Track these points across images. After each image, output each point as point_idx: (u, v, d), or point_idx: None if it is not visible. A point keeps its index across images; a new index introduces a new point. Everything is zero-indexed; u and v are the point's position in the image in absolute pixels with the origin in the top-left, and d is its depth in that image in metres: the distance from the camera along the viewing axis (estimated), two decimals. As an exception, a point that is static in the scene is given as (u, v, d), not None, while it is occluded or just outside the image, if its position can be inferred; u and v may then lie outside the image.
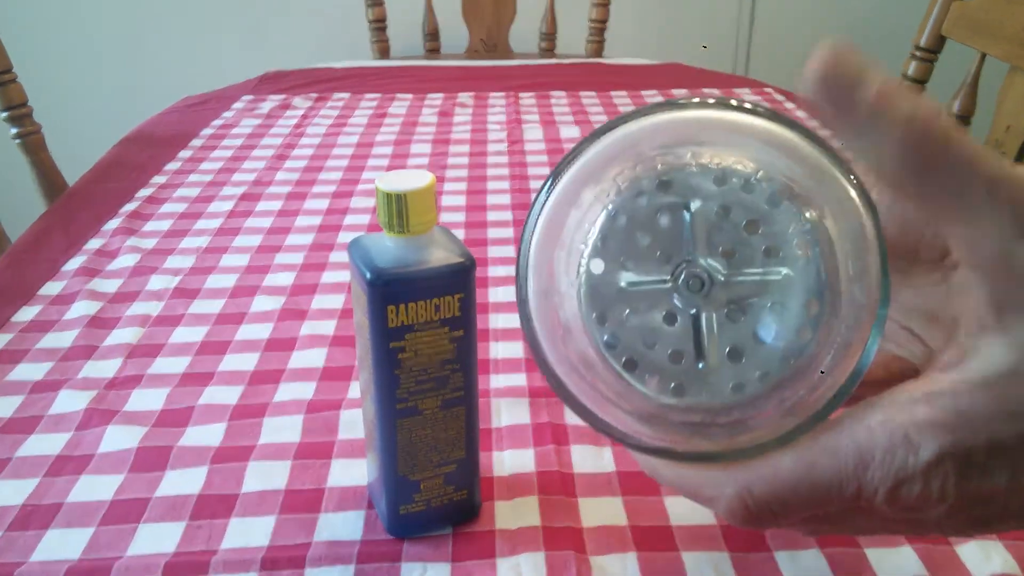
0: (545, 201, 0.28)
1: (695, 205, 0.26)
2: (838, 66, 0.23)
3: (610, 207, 0.27)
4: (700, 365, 0.26)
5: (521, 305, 0.28)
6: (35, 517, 0.40)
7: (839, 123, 0.24)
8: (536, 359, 0.28)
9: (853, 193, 0.26)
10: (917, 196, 0.24)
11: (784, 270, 0.26)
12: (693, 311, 0.26)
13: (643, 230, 0.26)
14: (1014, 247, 0.23)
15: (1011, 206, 0.23)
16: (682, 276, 0.26)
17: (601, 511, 0.39)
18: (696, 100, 0.27)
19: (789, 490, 0.25)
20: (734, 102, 0.27)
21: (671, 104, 0.27)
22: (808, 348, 0.26)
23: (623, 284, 0.27)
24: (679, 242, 0.26)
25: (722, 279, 0.26)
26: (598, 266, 0.27)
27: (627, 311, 0.27)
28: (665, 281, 0.26)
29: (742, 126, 0.27)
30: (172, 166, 0.87)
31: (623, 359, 0.27)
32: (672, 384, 0.26)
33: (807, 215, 0.26)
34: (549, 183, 0.28)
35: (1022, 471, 0.24)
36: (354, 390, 0.49)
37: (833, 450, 0.25)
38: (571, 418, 0.46)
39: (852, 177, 0.26)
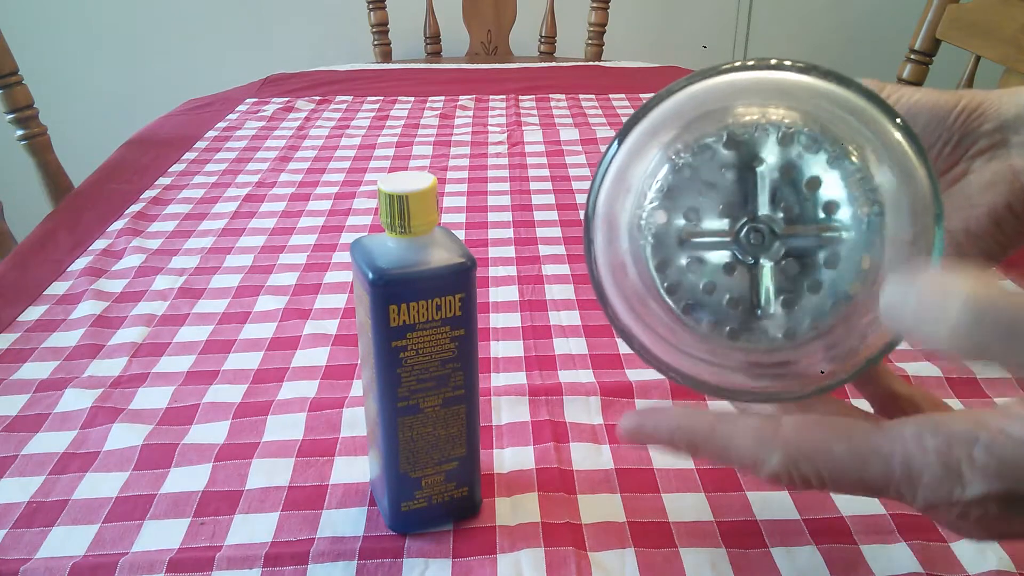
0: (615, 153, 0.29)
1: (760, 162, 0.27)
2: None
3: (677, 161, 0.27)
4: (756, 312, 0.27)
5: (588, 249, 0.30)
6: (40, 514, 0.40)
7: None
8: (599, 299, 0.30)
9: (911, 153, 0.27)
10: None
11: (842, 227, 0.27)
12: (751, 261, 0.27)
13: (708, 184, 0.27)
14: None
15: None
16: (744, 230, 0.27)
17: (600, 508, 0.40)
18: (764, 61, 0.28)
19: (834, 477, 0.26)
20: (790, 62, 0.28)
21: (741, 65, 0.28)
22: (859, 300, 0.27)
23: (685, 234, 0.28)
24: (742, 197, 0.27)
25: (781, 233, 0.27)
26: (661, 216, 0.28)
27: (688, 260, 0.28)
28: (726, 233, 0.27)
29: (804, 87, 0.28)
30: (177, 168, 0.88)
31: (682, 304, 0.28)
32: (728, 328, 0.28)
33: (867, 175, 0.26)
34: (620, 135, 0.29)
35: None
36: (356, 388, 0.49)
37: (887, 456, 0.25)
38: (570, 416, 0.46)
39: (911, 140, 0.27)
